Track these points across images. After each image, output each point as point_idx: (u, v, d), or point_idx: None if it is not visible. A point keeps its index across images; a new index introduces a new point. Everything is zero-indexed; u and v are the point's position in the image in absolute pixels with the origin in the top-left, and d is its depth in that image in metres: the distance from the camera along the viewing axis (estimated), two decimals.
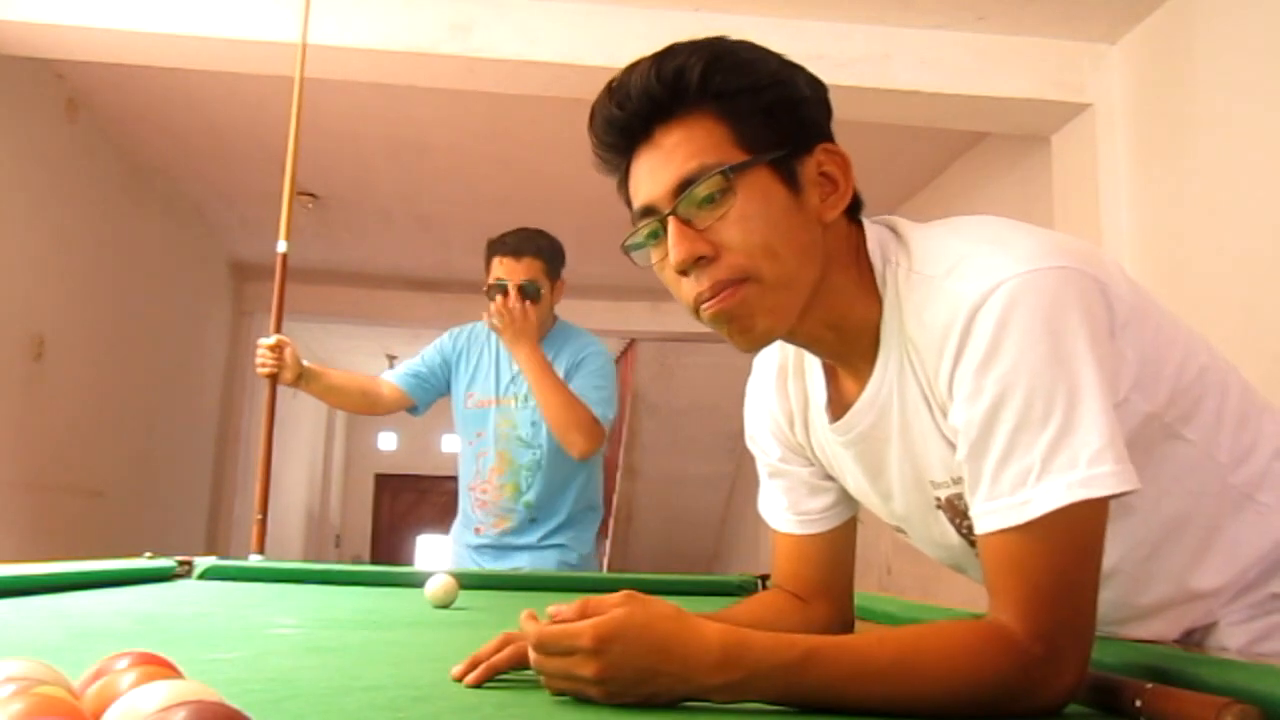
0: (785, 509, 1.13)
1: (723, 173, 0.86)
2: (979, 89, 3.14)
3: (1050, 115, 3.23)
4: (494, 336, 2.60)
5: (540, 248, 2.51)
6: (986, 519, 0.79)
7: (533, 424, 2.54)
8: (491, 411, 2.59)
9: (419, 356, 2.67)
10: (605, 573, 2.48)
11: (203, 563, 2.09)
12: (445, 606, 1.63)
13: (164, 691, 0.48)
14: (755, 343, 0.92)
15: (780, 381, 1.11)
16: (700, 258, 0.86)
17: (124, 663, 0.56)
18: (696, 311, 0.89)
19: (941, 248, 0.87)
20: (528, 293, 2.44)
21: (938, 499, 0.92)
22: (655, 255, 0.92)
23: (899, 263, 0.90)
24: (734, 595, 2.12)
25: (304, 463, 9.44)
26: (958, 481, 0.86)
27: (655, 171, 0.89)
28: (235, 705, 0.46)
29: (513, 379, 2.57)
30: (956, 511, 0.91)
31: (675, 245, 0.87)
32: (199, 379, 6.00)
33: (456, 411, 2.66)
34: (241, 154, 4.54)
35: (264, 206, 5.23)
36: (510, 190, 4.82)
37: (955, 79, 3.12)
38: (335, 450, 10.79)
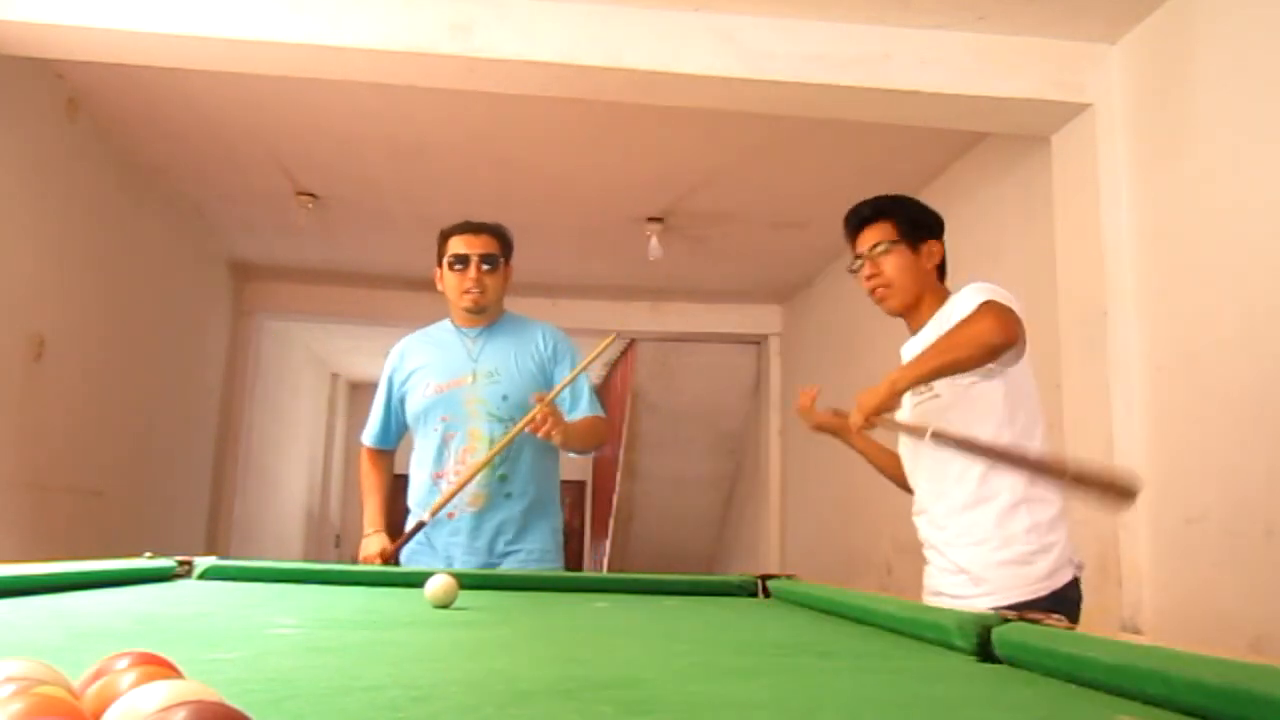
0: None
1: (895, 243, 2.17)
2: (979, 89, 3.13)
3: (1050, 115, 3.23)
4: (447, 327, 2.72)
5: (494, 229, 2.67)
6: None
7: (504, 398, 2.58)
8: (455, 393, 2.60)
9: (375, 405, 2.76)
10: (605, 573, 2.48)
11: (203, 563, 2.09)
12: (445, 606, 1.63)
13: (164, 691, 0.48)
14: (888, 309, 2.20)
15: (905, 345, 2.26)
16: (874, 275, 2.17)
17: (124, 663, 0.56)
18: (870, 294, 2.19)
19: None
20: (489, 261, 2.60)
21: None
22: (859, 273, 2.21)
23: (954, 294, 2.12)
24: (734, 595, 2.13)
25: (304, 463, 9.44)
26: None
27: (864, 240, 2.20)
28: (235, 705, 0.46)
29: (473, 359, 2.63)
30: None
31: (868, 267, 2.18)
32: (199, 379, 6.00)
33: (415, 408, 2.64)
34: (241, 154, 4.54)
35: (264, 206, 5.24)
36: (510, 190, 4.82)
37: (955, 79, 3.12)
38: (335, 450, 10.80)
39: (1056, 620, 1.08)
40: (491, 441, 2.52)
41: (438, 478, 2.57)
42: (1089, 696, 0.85)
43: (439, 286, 2.68)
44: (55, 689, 0.51)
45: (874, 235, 2.17)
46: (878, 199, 2.24)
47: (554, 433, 2.39)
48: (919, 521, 2.15)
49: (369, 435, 2.76)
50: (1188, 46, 2.82)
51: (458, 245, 2.62)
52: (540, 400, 2.41)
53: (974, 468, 1.98)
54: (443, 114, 4.00)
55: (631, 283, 6.36)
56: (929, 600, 2.04)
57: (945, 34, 3.10)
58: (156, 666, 0.56)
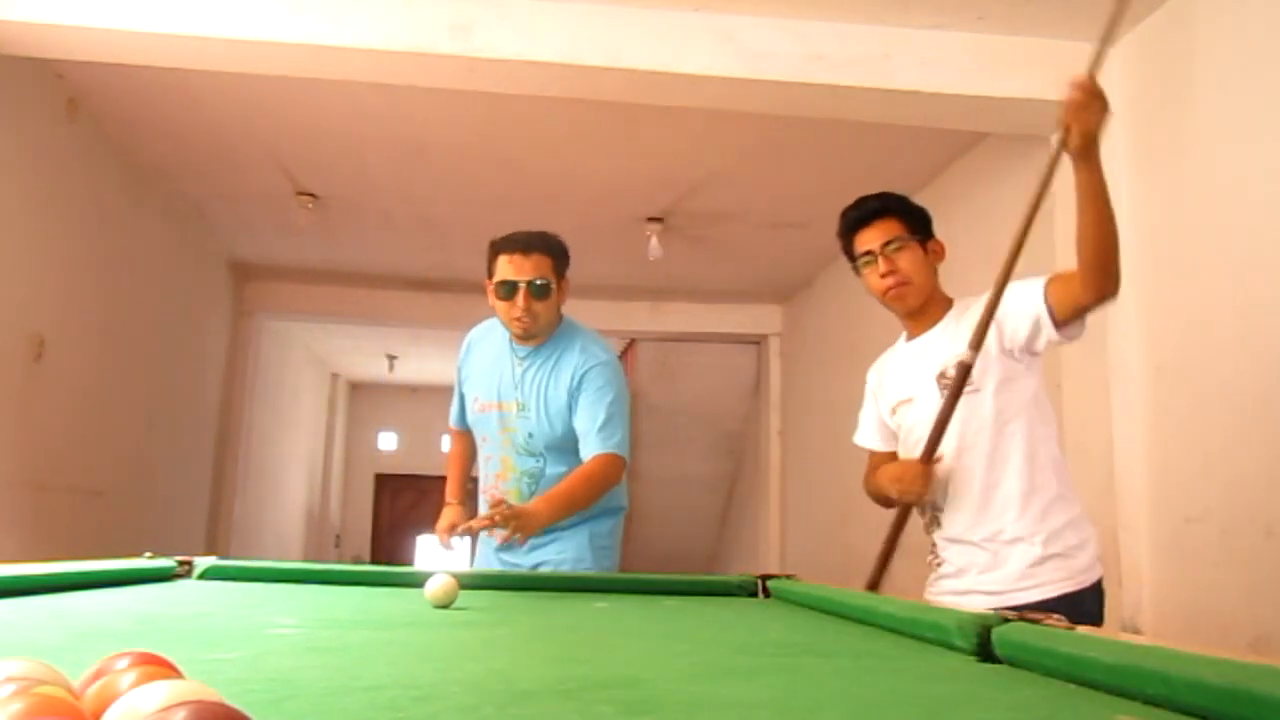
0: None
1: (908, 239, 2.10)
2: (979, 89, 3.13)
3: (1050, 115, 3.20)
4: (504, 335, 2.58)
5: (549, 245, 2.48)
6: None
7: (530, 434, 2.50)
8: (493, 416, 2.55)
9: (455, 388, 2.73)
10: (604, 572, 2.48)
11: (203, 563, 2.09)
12: (445, 606, 1.63)
13: (164, 691, 0.48)
14: (905, 309, 2.13)
15: (889, 352, 2.31)
16: (892, 272, 2.08)
17: (124, 663, 0.56)
18: (883, 294, 2.11)
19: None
20: (536, 291, 2.42)
21: (944, 369, 2.03)
22: (868, 270, 2.12)
23: (960, 299, 2.14)
24: (734, 595, 2.13)
25: (304, 463, 9.44)
26: (962, 360, 1.97)
27: (873, 237, 2.11)
28: (235, 705, 0.46)
29: (515, 385, 2.53)
30: (945, 378, 2.02)
31: (883, 264, 2.09)
32: (199, 379, 6.00)
33: (468, 414, 2.66)
34: (241, 154, 4.54)
35: (264, 206, 5.24)
36: (510, 190, 4.82)
37: (955, 79, 3.12)
38: (335, 450, 10.79)
39: (1056, 620, 1.08)
40: (520, 473, 2.51)
41: (482, 491, 2.60)
42: (1089, 696, 0.85)
43: (490, 301, 2.51)
44: (55, 689, 0.51)
45: (884, 231, 2.11)
46: (880, 195, 2.18)
47: (517, 541, 2.26)
48: (954, 518, 2.05)
49: (451, 417, 2.77)
50: (1188, 46, 2.82)
51: (505, 269, 2.43)
52: (494, 506, 2.22)
53: (1024, 461, 1.97)
54: (443, 114, 4.00)
55: (631, 283, 6.36)
56: (950, 600, 1.98)
57: (945, 34, 3.10)
58: (156, 666, 0.56)
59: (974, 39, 3.13)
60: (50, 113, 3.85)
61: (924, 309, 2.13)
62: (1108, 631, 1.07)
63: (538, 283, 2.41)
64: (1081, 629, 1.05)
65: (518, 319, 2.43)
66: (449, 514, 2.64)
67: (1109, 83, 3.16)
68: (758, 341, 7.05)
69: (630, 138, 4.20)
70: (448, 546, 2.53)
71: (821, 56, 3.07)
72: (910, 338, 2.19)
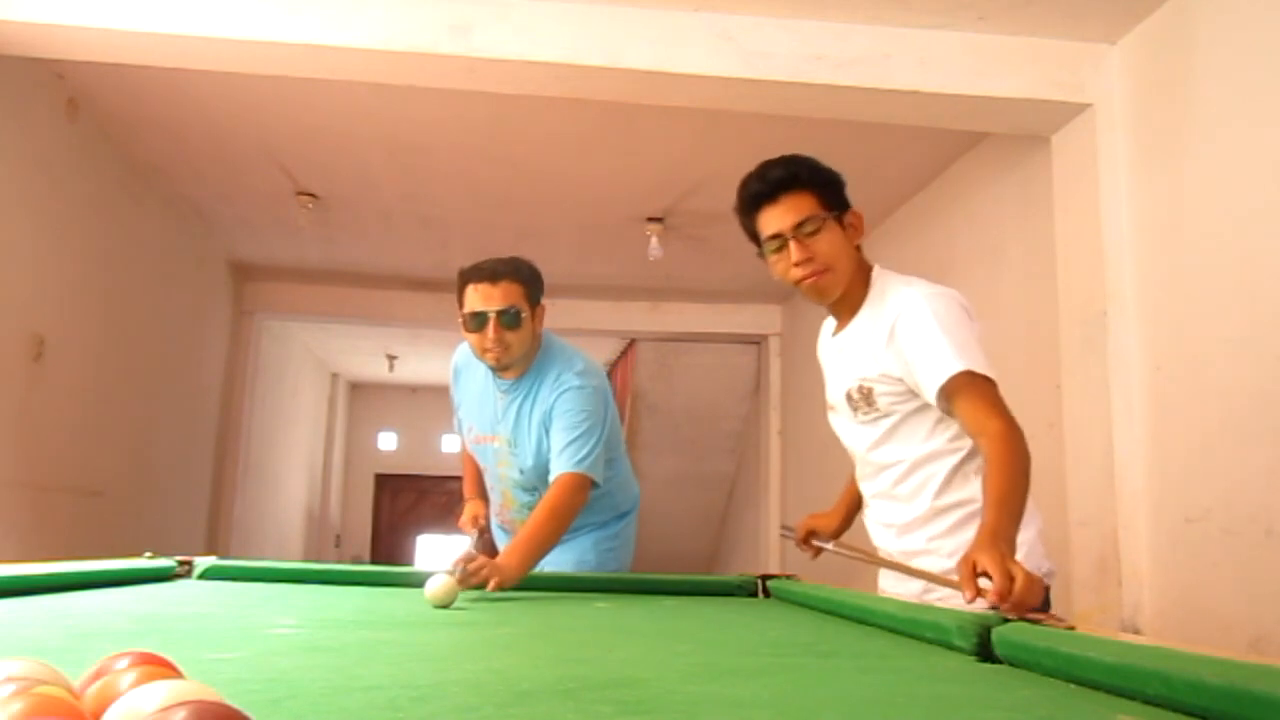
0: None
1: (824, 218, 1.82)
2: (979, 89, 3.13)
3: (1050, 115, 3.23)
4: (482, 364, 2.46)
5: (518, 270, 2.36)
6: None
7: (521, 470, 2.45)
8: (489, 448, 2.53)
9: (454, 407, 2.67)
10: (605, 571, 2.47)
11: (203, 563, 2.09)
12: (445, 606, 1.63)
13: (164, 691, 0.48)
14: (826, 300, 1.90)
15: (827, 328, 2.05)
16: (809, 259, 1.81)
17: (124, 663, 0.56)
18: (797, 283, 1.85)
19: (897, 278, 1.89)
20: (507, 321, 2.29)
21: (849, 389, 1.89)
22: (776, 257, 1.86)
23: (886, 275, 1.90)
24: (734, 595, 2.13)
25: (304, 463, 9.44)
26: (863, 382, 1.85)
27: (782, 216, 1.83)
28: (235, 705, 0.46)
29: (500, 419, 2.46)
30: (860, 395, 1.87)
31: (797, 251, 1.82)
32: (199, 379, 6.00)
33: (467, 443, 2.68)
34: (241, 154, 4.54)
35: (264, 206, 5.23)
36: (510, 190, 4.82)
37: (955, 79, 3.12)
38: (335, 450, 10.79)
39: (1056, 620, 1.08)
40: (520, 505, 2.51)
41: (495, 514, 2.66)
42: (1089, 696, 0.85)
43: (462, 333, 2.41)
44: (55, 689, 0.51)
45: (795, 209, 1.81)
46: (787, 161, 1.86)
47: (494, 588, 1.96)
48: (879, 530, 1.98)
49: (455, 426, 2.70)
50: (1188, 46, 2.82)
51: (474, 300, 2.30)
52: (459, 562, 1.95)
53: (931, 482, 1.83)
54: (443, 114, 4.00)
55: (631, 283, 6.36)
56: (879, 592, 1.96)
57: (945, 34, 3.10)
58: (156, 666, 0.56)
59: (974, 39, 3.13)
60: (50, 113, 3.85)
61: (847, 295, 1.89)
62: (1108, 631, 1.08)
63: (510, 312, 2.29)
64: (1081, 630, 1.06)
65: (489, 350, 2.32)
66: (470, 509, 2.69)
67: (1110, 81, 3.17)
68: (758, 341, 7.05)
69: (630, 138, 4.20)
70: (472, 535, 2.59)
71: (821, 56, 3.07)
72: (836, 330, 1.98)
